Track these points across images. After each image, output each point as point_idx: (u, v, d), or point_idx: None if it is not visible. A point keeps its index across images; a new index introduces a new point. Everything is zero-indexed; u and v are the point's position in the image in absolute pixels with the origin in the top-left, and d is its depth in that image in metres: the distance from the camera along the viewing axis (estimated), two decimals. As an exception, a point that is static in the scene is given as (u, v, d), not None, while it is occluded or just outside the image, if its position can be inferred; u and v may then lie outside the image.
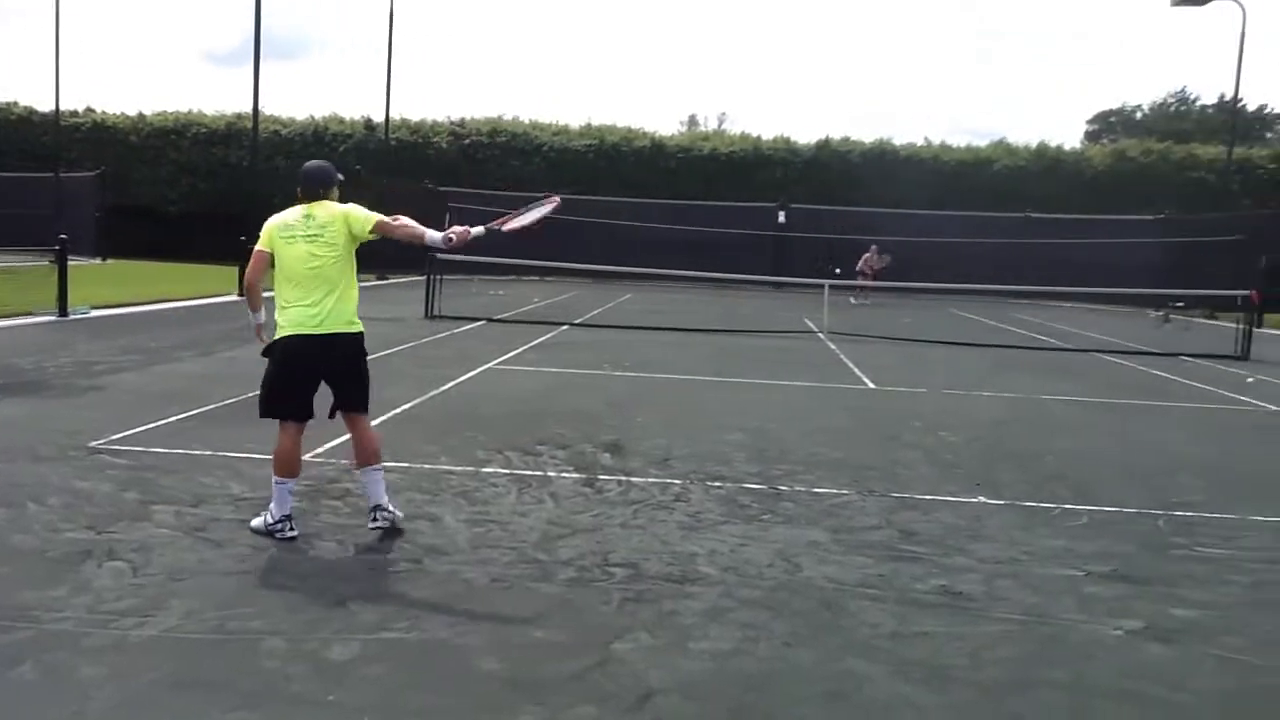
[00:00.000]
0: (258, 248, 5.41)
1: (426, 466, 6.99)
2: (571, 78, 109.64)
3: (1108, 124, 67.58)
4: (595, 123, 41.23)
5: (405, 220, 5.59)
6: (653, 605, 4.62)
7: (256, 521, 5.41)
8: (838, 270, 27.92)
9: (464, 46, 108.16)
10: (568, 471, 7.07)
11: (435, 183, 35.23)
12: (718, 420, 9.31)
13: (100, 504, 5.75)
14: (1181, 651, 4.37)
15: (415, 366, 11.84)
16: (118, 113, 40.78)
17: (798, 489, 6.87)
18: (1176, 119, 63.65)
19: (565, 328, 17.66)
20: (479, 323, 17.71)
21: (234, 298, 20.82)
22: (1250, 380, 14.25)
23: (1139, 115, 67.21)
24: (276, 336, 5.41)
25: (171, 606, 4.31)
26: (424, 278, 19.32)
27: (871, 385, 12.25)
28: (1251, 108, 59.88)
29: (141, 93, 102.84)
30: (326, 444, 7.48)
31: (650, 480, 6.91)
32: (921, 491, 6.96)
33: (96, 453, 6.94)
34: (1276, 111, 64.38)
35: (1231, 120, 36.26)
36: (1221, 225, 29.20)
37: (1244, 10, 31.16)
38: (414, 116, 40.25)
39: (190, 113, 40.87)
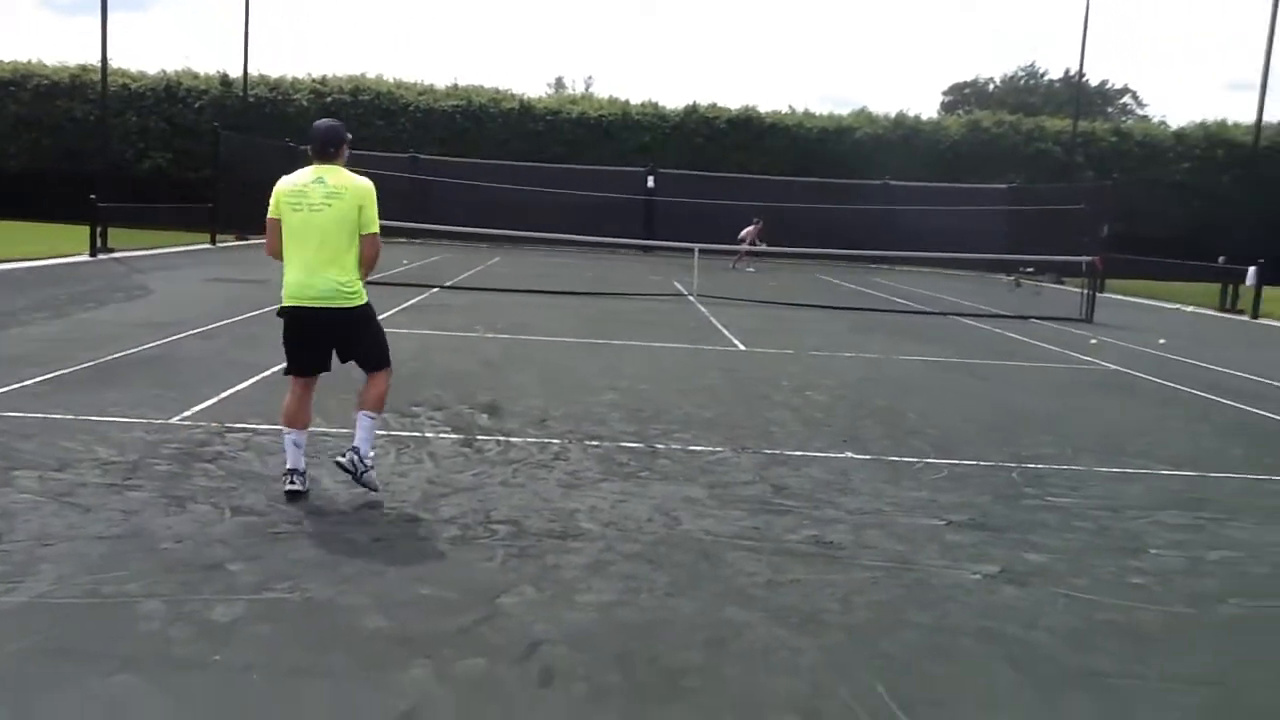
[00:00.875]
0: (270, 216, 5.33)
1: (300, 429, 6.87)
2: (436, 37, 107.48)
3: (962, 95, 69.87)
4: (462, 83, 40.68)
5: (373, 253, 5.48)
6: (536, 560, 4.69)
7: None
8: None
9: (324, 1, 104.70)
10: (445, 432, 7.07)
11: (296, 141, 34.21)
12: (592, 381, 9.41)
13: (-46, 471, 5.50)
14: (1034, 593, 4.68)
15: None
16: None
17: (673, 447, 7.02)
18: (1026, 92, 66.32)
19: (435, 290, 17.47)
20: (346, 285, 17.33)
21: (85, 258, 19.92)
22: (1094, 341, 15.09)
23: (991, 88, 69.67)
24: (283, 303, 5.41)
25: (41, 572, 4.19)
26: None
27: (741, 347, 12.52)
28: (1094, 83, 62.76)
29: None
30: (194, 406, 7.31)
31: (528, 440, 6.97)
32: (792, 448, 7.20)
33: (-54, 418, 6.62)
34: (1117, 87, 67.73)
35: (1076, 94, 37.94)
36: (1066, 194, 30.64)
37: (1090, -12, 32.56)
38: (273, 73, 38.92)
39: (30, 63, 38.64)
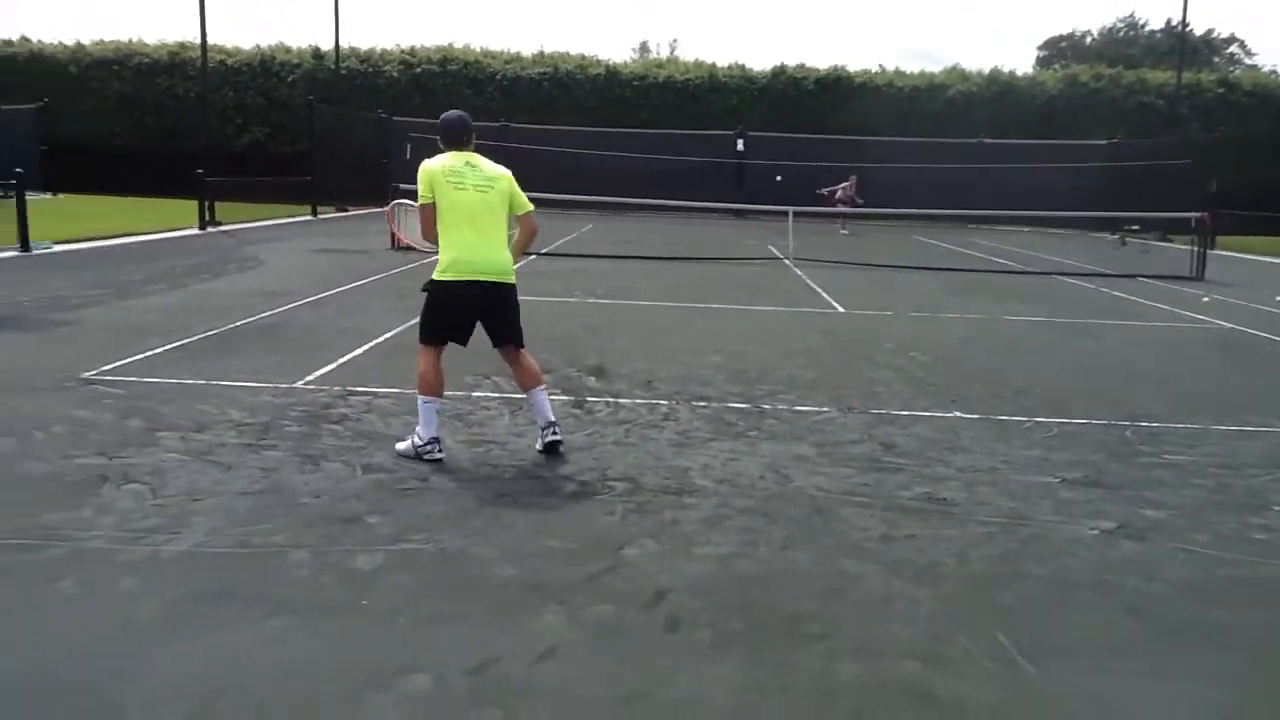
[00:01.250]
0: (424, 200, 5.49)
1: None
2: (521, 4, 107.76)
3: (1058, 49, 67.86)
4: (548, 50, 40.84)
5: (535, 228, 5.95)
6: (654, 515, 4.84)
7: (402, 445, 5.61)
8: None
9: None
10: (556, 394, 7.23)
11: (388, 113, 34.80)
12: (694, 344, 9.51)
13: (105, 431, 5.85)
14: (1153, 548, 4.67)
15: (389, 298, 11.89)
16: (55, 42, 39.69)
17: (780, 407, 7.11)
18: (1125, 44, 64.13)
19: (532, 257, 17.69)
20: (445, 253, 17.68)
21: (194, 231, 20.64)
22: (1206, 299, 14.70)
23: (1089, 41, 67.53)
24: (438, 277, 5.56)
25: (195, 524, 4.47)
26: (381, 209, 19.18)
27: (840, 309, 12.50)
28: (1199, 32, 60.39)
29: (69, 20, 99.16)
30: (315, 371, 7.62)
31: (637, 401, 7.11)
32: (898, 408, 7.23)
33: (90, 383, 7.01)
34: (1223, 36, 65.06)
35: (1180, 45, 36.56)
36: (1171, 149, 29.66)
37: (1197, -67, 31.29)
38: (363, 45, 39.56)
39: (131, 42, 39.85)
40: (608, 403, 7.06)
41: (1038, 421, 6.96)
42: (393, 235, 5.86)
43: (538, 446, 5.76)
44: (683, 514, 4.86)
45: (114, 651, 3.36)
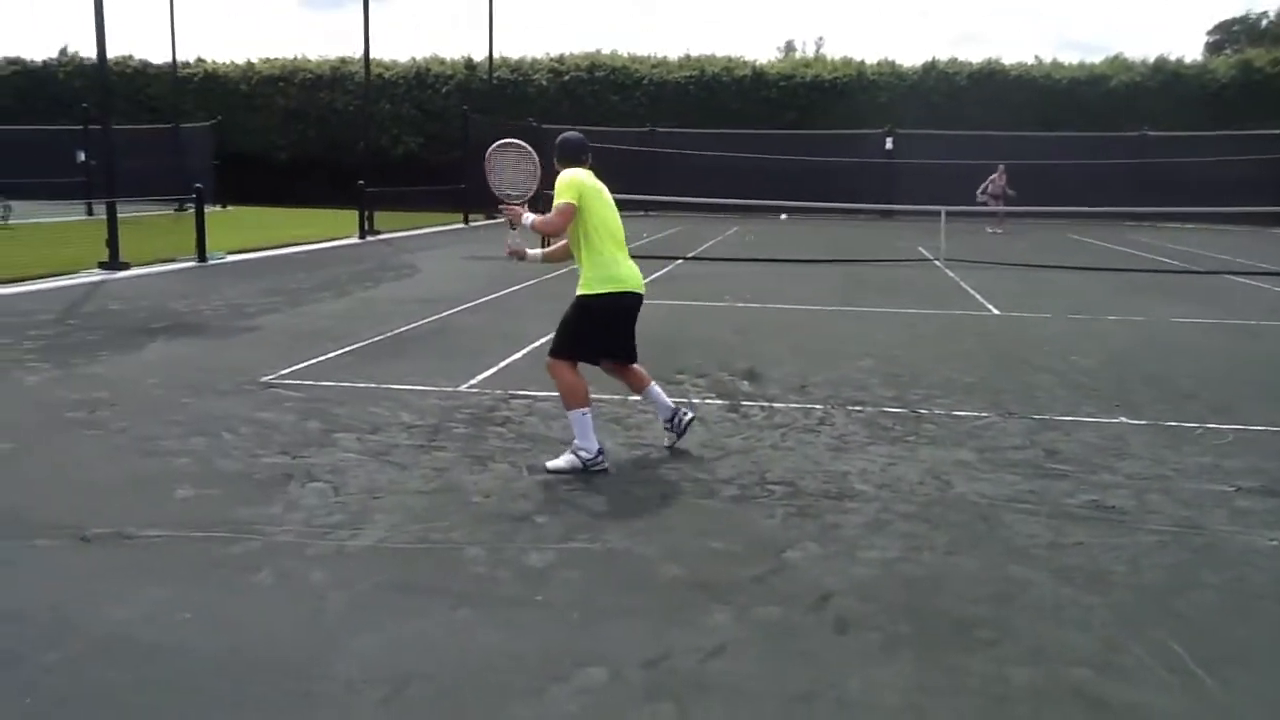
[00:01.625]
0: (568, 201, 5.48)
1: (576, 395, 7.33)
2: (667, 8, 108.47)
3: (1230, 34, 64.44)
4: (694, 54, 41.00)
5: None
6: (815, 519, 4.88)
7: (556, 462, 5.53)
8: None
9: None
10: (710, 398, 7.35)
11: (538, 121, 35.60)
12: (845, 348, 9.48)
13: (287, 432, 6.22)
14: (1340, 560, 4.48)
15: (543, 301, 12.17)
16: (227, 62, 41.90)
17: (937, 412, 7.04)
18: (1305, 26, 60.43)
19: (680, 262, 17.87)
20: (594, 258, 17.98)
21: (355, 240, 21.53)
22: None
23: (1264, 23, 63.89)
24: (601, 291, 5.61)
25: (376, 521, 4.73)
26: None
27: (995, 311, 12.24)
28: (1388, 11, 56.39)
29: (237, 42, 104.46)
30: (478, 375, 7.90)
31: (791, 405, 7.15)
32: (1060, 413, 7.07)
33: (270, 387, 7.45)
34: None
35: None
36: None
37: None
38: (513, 55, 40.48)
39: (296, 59, 41.70)
40: (762, 407, 7.11)
41: (1209, 428, 6.71)
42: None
43: (675, 428, 5.96)
44: (844, 518, 4.89)
45: (309, 638, 3.60)
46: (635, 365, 5.96)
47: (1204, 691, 3.31)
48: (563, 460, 5.55)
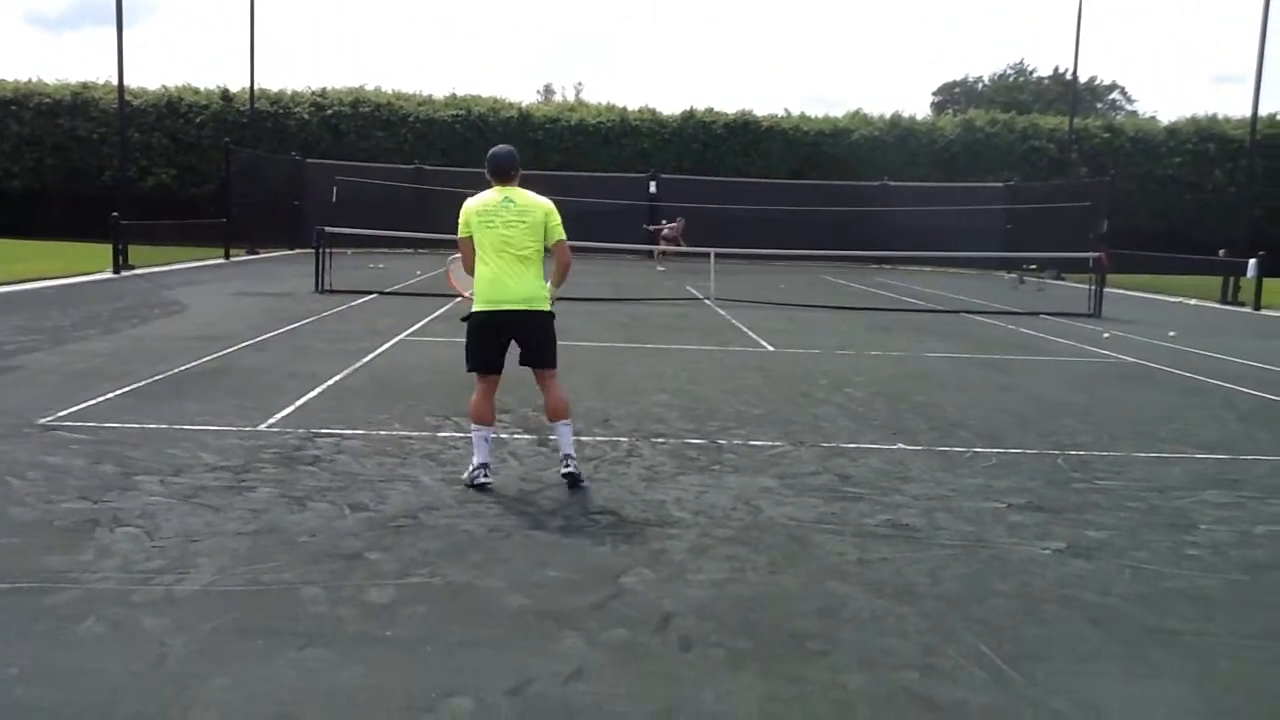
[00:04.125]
0: (461, 236, 5.94)
1: (384, 433, 7.27)
2: (431, 46, 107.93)
3: (952, 95, 70.48)
4: (460, 93, 41.04)
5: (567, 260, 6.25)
6: (642, 545, 5.08)
7: (465, 475, 6.05)
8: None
9: (321, 14, 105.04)
10: (519, 433, 7.46)
11: (301, 155, 34.60)
12: (640, 383, 9.79)
13: (81, 477, 5.87)
14: (1101, 565, 5.08)
15: (328, 340, 11.94)
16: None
17: (735, 442, 7.42)
18: (1015, 90, 66.92)
19: (459, 300, 17.79)
20: (371, 295, 17.72)
21: (108, 275, 20.24)
22: (1107, 335, 15.54)
23: (980, 87, 70.28)
24: (474, 309, 6.03)
25: (200, 564, 4.57)
26: (294, 251, 19.14)
27: (770, 348, 12.93)
28: (1084, 79, 63.31)
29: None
30: (276, 414, 7.69)
31: (598, 439, 7.35)
32: (845, 441, 7.60)
33: (50, 429, 6.98)
34: (1105, 83, 68.40)
35: (1073, 91, 38.46)
36: (1063, 191, 31.15)
37: (1081, -12, 33.09)
38: (272, 87, 39.19)
39: (31, 82, 38.86)
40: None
41: (976, 451, 7.40)
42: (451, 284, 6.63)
43: (561, 471, 6.12)
44: (669, 544, 5.12)
45: (156, 686, 3.46)
46: (554, 391, 6.20)
47: (1014, 686, 3.71)
48: (466, 473, 6.06)
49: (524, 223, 5.91)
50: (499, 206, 5.92)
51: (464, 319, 6.14)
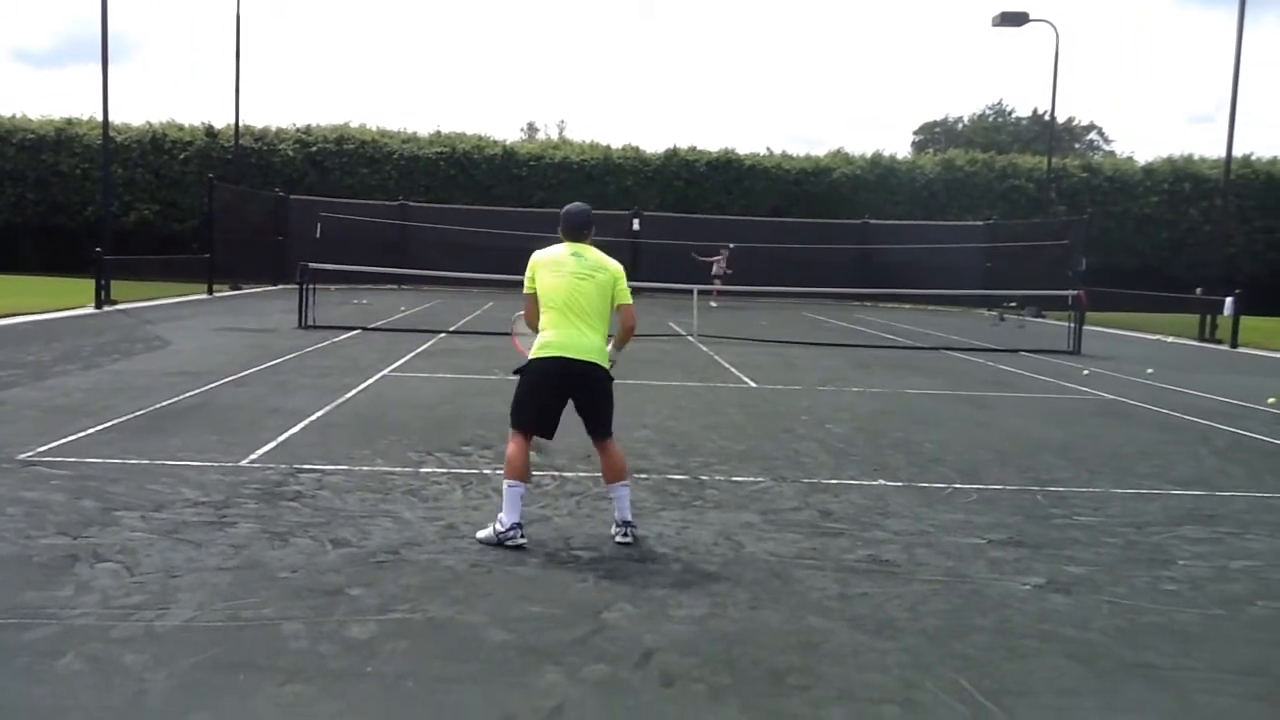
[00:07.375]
0: (528, 290, 5.85)
1: (366, 468, 7.27)
2: (416, 83, 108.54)
3: (932, 134, 71.32)
4: (445, 130, 41.27)
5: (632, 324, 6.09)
6: (625, 581, 5.09)
7: (483, 533, 5.68)
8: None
9: (306, 51, 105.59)
10: (501, 469, 7.44)
11: (285, 191, 34.67)
12: (622, 419, 9.62)
13: (61, 512, 5.84)
14: (1080, 600, 5.12)
15: (310, 376, 11.93)
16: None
17: (717, 478, 7.45)
18: (994, 130, 67.79)
19: (443, 335, 17.86)
20: (354, 331, 17.72)
21: (90, 310, 20.18)
22: (1086, 372, 15.68)
23: (960, 127, 71.13)
24: (531, 356, 5.78)
25: (181, 600, 4.55)
26: (277, 287, 19.14)
27: (752, 384, 12.98)
28: (1061, 119, 64.20)
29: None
30: (258, 450, 7.68)
31: (581, 474, 7.37)
32: (827, 477, 7.64)
33: (30, 465, 6.95)
34: (1083, 124, 69.35)
35: (1051, 131, 38.92)
36: (1042, 230, 31.48)
37: (1057, 31, 33.64)
38: (257, 123, 39.30)
39: (15, 117, 38.88)
40: (553, 476, 7.30)
41: (956, 488, 7.45)
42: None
43: (616, 539, 5.77)
44: (651, 579, 5.13)
45: (135, 722, 3.45)
46: (611, 452, 5.87)
47: None
48: (487, 531, 5.68)
49: (593, 278, 5.75)
50: (566, 259, 5.77)
51: (516, 371, 5.89)
